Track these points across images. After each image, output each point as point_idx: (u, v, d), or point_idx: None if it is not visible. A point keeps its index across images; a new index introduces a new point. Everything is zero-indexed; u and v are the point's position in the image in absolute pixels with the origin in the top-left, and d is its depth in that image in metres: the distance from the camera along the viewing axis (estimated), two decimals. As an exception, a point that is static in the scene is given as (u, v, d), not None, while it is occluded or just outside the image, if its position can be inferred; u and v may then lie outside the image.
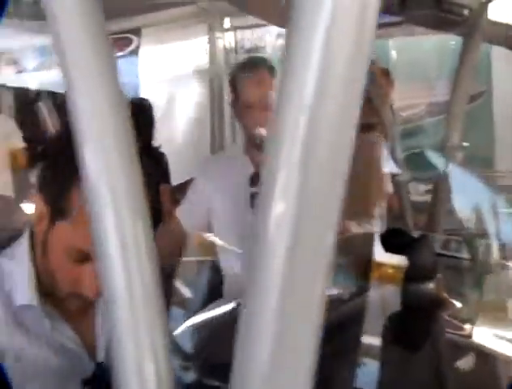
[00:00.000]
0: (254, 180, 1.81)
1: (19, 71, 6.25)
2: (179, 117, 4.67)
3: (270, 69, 1.83)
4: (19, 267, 0.96)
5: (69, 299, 0.98)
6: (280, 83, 0.39)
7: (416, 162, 1.87)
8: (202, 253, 1.70)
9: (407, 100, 3.80)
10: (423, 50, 3.72)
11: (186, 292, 1.17)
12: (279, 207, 0.37)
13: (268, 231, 0.37)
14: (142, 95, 5.01)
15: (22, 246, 0.99)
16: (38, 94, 4.94)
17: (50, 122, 4.80)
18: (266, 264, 0.37)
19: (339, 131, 0.38)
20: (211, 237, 1.69)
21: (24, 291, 0.95)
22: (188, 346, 0.90)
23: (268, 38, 6.64)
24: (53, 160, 0.96)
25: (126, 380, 0.43)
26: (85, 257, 0.91)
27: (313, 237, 0.37)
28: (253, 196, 1.79)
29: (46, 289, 0.97)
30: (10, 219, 4.01)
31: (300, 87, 0.37)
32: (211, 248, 1.71)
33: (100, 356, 1.06)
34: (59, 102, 5.05)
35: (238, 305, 0.93)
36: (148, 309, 0.43)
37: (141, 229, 0.44)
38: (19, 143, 4.07)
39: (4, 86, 4.75)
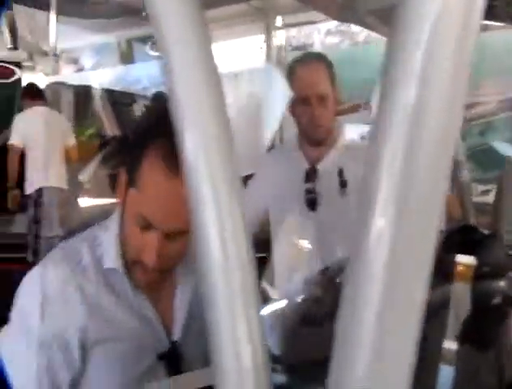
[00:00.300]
0: (309, 176, 1.81)
1: (79, 70, 6.49)
2: (234, 114, 4.72)
3: (327, 63, 1.82)
4: (109, 235, 1.04)
5: (147, 272, 1.00)
6: (382, 88, 0.38)
7: (480, 160, 1.83)
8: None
9: (478, 97, 3.70)
10: (494, 46, 3.62)
11: (273, 293, 1.18)
12: (380, 221, 0.37)
13: (368, 245, 0.37)
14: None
15: (114, 218, 1.06)
16: (95, 91, 5.11)
17: (105, 117, 4.96)
18: (365, 277, 0.38)
19: (441, 142, 0.37)
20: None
21: (111, 256, 1.02)
22: (274, 347, 0.90)
23: (317, 36, 6.62)
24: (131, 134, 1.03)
25: (222, 355, 0.45)
26: (148, 225, 0.94)
27: (413, 251, 0.38)
28: (307, 192, 1.79)
29: (129, 259, 1.02)
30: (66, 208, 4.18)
31: (402, 96, 0.37)
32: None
33: (176, 334, 1.09)
34: (114, 98, 5.22)
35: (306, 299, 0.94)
36: (243, 281, 0.44)
37: (236, 203, 0.45)
38: (72, 140, 4.29)
39: (65, 84, 4.92)
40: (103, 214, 1.13)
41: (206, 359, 1.05)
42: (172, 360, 1.06)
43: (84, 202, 5.36)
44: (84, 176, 5.55)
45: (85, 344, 1.00)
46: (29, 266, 1.03)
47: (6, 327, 1.01)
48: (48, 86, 4.87)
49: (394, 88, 0.38)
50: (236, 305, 0.44)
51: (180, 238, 0.95)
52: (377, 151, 0.38)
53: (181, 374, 1.03)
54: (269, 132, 4.24)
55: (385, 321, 0.38)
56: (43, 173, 4.08)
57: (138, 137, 0.98)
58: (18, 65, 6.77)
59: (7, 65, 6.66)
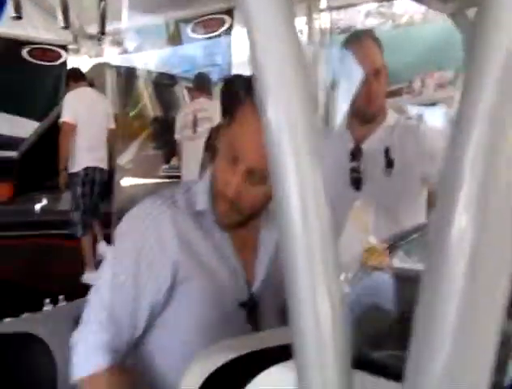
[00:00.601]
0: (354, 155, 1.82)
1: (123, 52, 6.61)
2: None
3: (377, 39, 1.82)
4: (202, 183, 1.15)
5: (229, 209, 1.09)
6: (463, 85, 0.38)
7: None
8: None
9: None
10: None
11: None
12: (462, 219, 0.37)
13: (450, 241, 0.37)
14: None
15: (207, 172, 1.18)
16: (138, 73, 5.21)
17: (148, 98, 5.06)
18: (446, 273, 0.37)
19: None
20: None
21: (202, 200, 1.12)
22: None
23: (357, 17, 6.53)
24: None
25: (301, 317, 0.45)
26: (235, 158, 1.05)
27: (496, 248, 0.37)
28: (352, 171, 1.80)
29: (215, 195, 1.11)
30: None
31: (484, 93, 0.37)
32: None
33: (255, 287, 1.16)
34: (156, 80, 5.31)
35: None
36: (323, 247, 0.45)
37: (318, 174, 0.46)
38: (113, 123, 4.40)
39: (109, 64, 5.04)
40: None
41: (280, 315, 1.11)
42: (251, 310, 1.13)
43: (126, 182, 5.49)
44: (125, 157, 5.69)
45: (175, 279, 1.08)
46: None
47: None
48: (93, 67, 4.99)
49: (476, 85, 0.37)
50: (315, 267, 0.44)
51: (260, 183, 1.04)
52: (459, 148, 0.38)
53: (255, 333, 1.09)
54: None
55: (465, 319, 0.37)
56: (89, 152, 4.22)
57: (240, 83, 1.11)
58: (63, 48, 6.95)
59: (54, 48, 6.85)
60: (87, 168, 4.25)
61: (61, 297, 4.13)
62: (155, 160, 6.02)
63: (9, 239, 4.84)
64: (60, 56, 6.92)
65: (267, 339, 0.78)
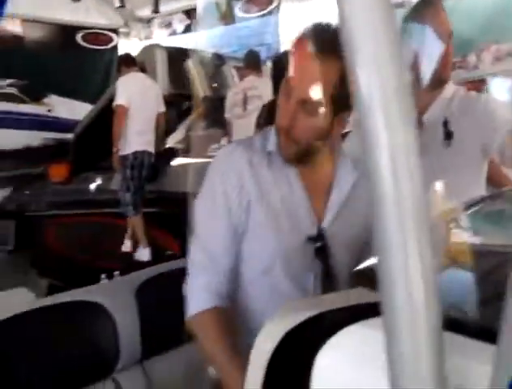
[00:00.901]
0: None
1: (171, 34, 6.70)
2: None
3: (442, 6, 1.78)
4: (273, 127, 1.23)
5: (288, 139, 1.18)
6: None
7: None
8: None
9: None
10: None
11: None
12: None
13: None
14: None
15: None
16: (187, 53, 5.24)
17: (197, 77, 5.09)
18: None
19: None
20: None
21: (272, 141, 1.22)
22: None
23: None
24: None
25: (393, 289, 0.44)
26: (290, 90, 1.14)
27: None
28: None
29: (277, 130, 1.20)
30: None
31: None
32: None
33: (325, 223, 1.23)
34: (205, 60, 5.34)
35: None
36: (414, 205, 0.44)
37: (409, 133, 0.45)
38: (163, 107, 4.47)
39: (159, 45, 5.09)
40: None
41: (349, 254, 1.20)
42: (320, 246, 1.20)
43: (175, 161, 5.58)
44: (175, 138, 5.78)
45: (249, 202, 1.20)
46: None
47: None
48: (143, 49, 5.06)
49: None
50: (406, 224, 0.43)
51: (312, 114, 1.13)
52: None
53: (326, 293, 1.14)
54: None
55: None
56: (139, 136, 4.30)
57: None
58: (115, 31, 7.10)
59: (105, 32, 7.00)
60: (136, 152, 4.34)
61: (116, 272, 4.29)
62: (204, 140, 6.09)
63: (66, 217, 5.03)
64: (111, 40, 7.07)
65: (343, 298, 0.78)
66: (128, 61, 4.51)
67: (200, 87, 5.04)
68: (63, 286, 4.85)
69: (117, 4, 3.91)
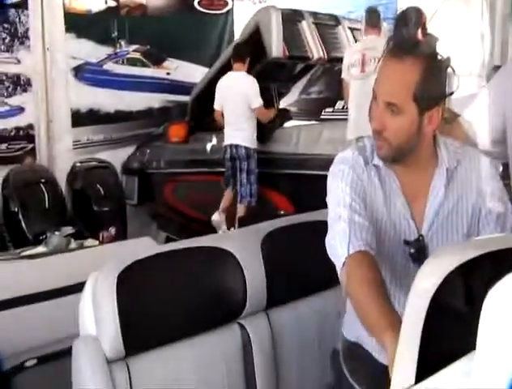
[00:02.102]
0: None
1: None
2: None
3: None
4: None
5: (380, 141, 1.25)
6: None
7: None
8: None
9: None
10: None
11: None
12: None
13: None
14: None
15: None
16: (301, 14, 5.19)
17: (311, 40, 5.04)
18: None
19: None
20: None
21: (374, 156, 1.30)
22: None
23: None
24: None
25: None
26: (376, 95, 1.23)
27: None
28: None
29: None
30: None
31: None
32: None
33: (424, 229, 1.28)
34: (319, 21, 5.26)
35: None
36: None
37: None
38: (257, 102, 4.57)
39: (273, 7, 5.10)
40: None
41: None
42: (418, 248, 1.25)
43: (288, 123, 5.63)
44: (288, 99, 5.81)
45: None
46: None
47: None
48: (258, 11, 5.09)
49: None
50: None
51: (400, 114, 1.19)
52: None
53: None
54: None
55: None
56: (234, 131, 4.58)
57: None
58: (229, -5, 7.20)
59: (221, -4, 7.13)
60: (231, 145, 4.59)
61: (232, 228, 4.48)
62: (318, 103, 6.06)
63: (183, 175, 5.31)
64: (226, 4, 7.18)
65: (500, 242, 0.78)
66: (237, 56, 4.63)
67: (315, 49, 4.99)
68: (178, 239, 5.18)
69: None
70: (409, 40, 1.16)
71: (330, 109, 5.85)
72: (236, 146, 4.58)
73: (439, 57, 1.21)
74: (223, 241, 1.57)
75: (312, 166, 4.06)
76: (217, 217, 4.70)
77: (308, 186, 4.15)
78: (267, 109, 4.71)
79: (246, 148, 4.58)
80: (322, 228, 1.31)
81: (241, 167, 4.60)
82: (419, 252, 1.25)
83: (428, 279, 0.63)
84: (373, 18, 4.15)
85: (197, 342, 1.44)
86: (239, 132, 4.58)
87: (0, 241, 4.39)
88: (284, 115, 5.19)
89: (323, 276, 1.47)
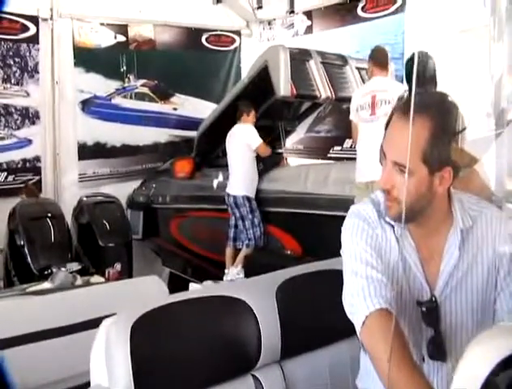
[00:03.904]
0: None
1: (294, 35, 6.77)
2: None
3: None
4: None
5: (389, 201, 1.23)
6: None
7: None
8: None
9: None
10: None
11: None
12: None
13: None
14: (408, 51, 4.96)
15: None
16: (309, 54, 5.26)
17: (319, 79, 5.09)
18: None
19: None
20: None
21: (386, 212, 1.26)
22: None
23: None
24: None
25: None
26: (385, 154, 1.21)
27: None
28: None
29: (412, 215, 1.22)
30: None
31: None
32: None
33: (437, 290, 1.25)
34: (327, 61, 5.32)
35: None
36: None
37: None
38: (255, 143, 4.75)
39: (282, 46, 5.17)
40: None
41: (467, 317, 1.24)
42: (431, 310, 1.21)
43: (294, 161, 5.65)
44: (294, 138, 5.84)
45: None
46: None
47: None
48: (267, 49, 5.16)
49: None
50: None
51: (409, 176, 1.15)
52: None
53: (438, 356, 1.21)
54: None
55: None
56: (238, 182, 4.76)
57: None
58: (237, 33, 7.32)
59: (228, 33, 7.25)
60: (235, 196, 4.72)
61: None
62: (325, 141, 6.09)
63: (189, 211, 5.30)
64: (234, 41, 7.31)
65: None
66: (244, 110, 4.82)
67: (322, 88, 5.04)
68: (182, 276, 5.14)
69: (255, 5, 4.01)
70: (419, 99, 1.13)
71: (339, 148, 5.87)
72: (235, 196, 4.73)
73: (451, 113, 1.19)
74: (237, 290, 1.54)
75: (320, 206, 4.05)
76: (231, 273, 4.60)
77: (315, 226, 4.17)
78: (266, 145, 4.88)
79: (247, 198, 4.70)
80: (337, 277, 1.29)
81: (236, 215, 4.73)
82: (431, 313, 1.22)
83: (478, 364, 0.61)
84: (381, 57, 3.96)
85: (210, 394, 1.40)
86: (243, 184, 4.73)
87: (6, 276, 4.36)
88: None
89: (338, 326, 1.44)
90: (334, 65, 5.34)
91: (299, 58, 5.06)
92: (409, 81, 3.12)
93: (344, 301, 1.24)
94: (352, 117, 3.97)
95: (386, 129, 1.25)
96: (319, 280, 1.63)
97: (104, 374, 1.34)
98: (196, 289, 2.88)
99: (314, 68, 5.16)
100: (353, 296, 1.21)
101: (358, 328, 1.18)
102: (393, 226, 1.27)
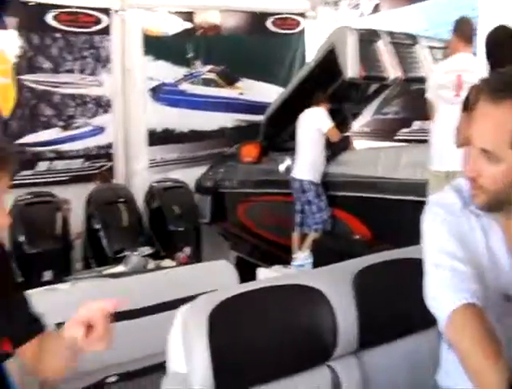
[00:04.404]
0: None
1: (361, 15, 6.60)
2: None
3: None
4: None
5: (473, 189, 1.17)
6: None
7: None
8: None
9: None
10: None
11: None
12: None
13: None
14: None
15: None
16: (378, 34, 5.11)
17: (388, 60, 4.94)
18: None
19: None
20: None
21: (472, 200, 1.20)
22: None
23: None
24: None
25: None
26: (471, 141, 1.15)
27: None
28: None
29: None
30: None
31: None
32: None
33: None
34: (396, 40, 5.15)
35: None
36: None
37: None
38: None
39: (349, 27, 5.05)
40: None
41: None
42: None
43: (360, 144, 5.54)
44: (361, 120, 5.72)
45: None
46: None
47: None
48: (334, 31, 5.06)
49: None
50: None
51: (496, 162, 1.10)
52: None
53: None
54: None
55: None
56: (309, 166, 4.71)
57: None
58: (302, 15, 7.22)
59: (293, 16, 7.16)
60: (301, 180, 4.71)
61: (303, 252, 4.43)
62: (392, 123, 5.93)
63: (255, 195, 5.33)
64: (299, 24, 7.22)
65: None
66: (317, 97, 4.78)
67: (391, 69, 4.89)
68: (249, 260, 5.19)
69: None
70: (506, 79, 1.06)
71: (407, 130, 5.70)
72: (301, 180, 4.70)
73: None
74: (312, 278, 1.53)
75: (391, 190, 3.95)
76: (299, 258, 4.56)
77: (386, 210, 4.08)
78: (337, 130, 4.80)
79: (313, 184, 4.65)
80: (415, 266, 1.25)
81: (301, 199, 4.70)
82: None
83: None
84: (466, 30, 3.56)
85: (286, 384, 1.40)
86: (306, 167, 4.70)
87: (84, 259, 4.58)
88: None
89: (417, 317, 1.40)
90: (403, 44, 5.16)
91: (367, 39, 4.93)
92: (490, 59, 2.96)
93: (426, 294, 1.20)
94: (430, 95, 3.60)
95: (464, 106, 1.19)
96: (397, 270, 1.59)
97: (182, 362, 1.36)
98: (265, 274, 2.91)
99: (383, 48, 5.01)
100: (436, 289, 1.16)
101: (442, 323, 1.14)
102: (478, 215, 1.21)
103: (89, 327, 1.12)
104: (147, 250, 3.68)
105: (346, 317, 1.46)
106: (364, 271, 1.54)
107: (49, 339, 1.30)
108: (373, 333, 1.50)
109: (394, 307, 1.52)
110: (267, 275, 2.72)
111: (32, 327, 1.31)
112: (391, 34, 5.20)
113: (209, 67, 6.41)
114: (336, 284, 1.50)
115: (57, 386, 1.73)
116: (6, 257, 1.36)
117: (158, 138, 6.10)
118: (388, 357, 1.52)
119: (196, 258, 4.43)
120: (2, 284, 1.27)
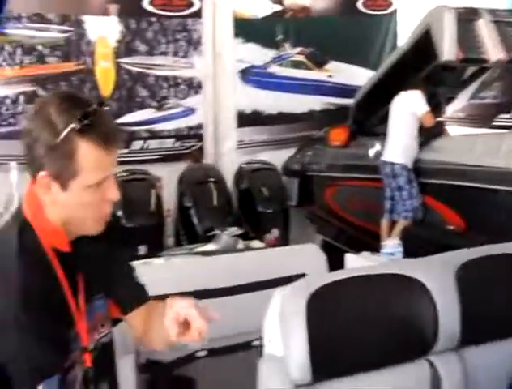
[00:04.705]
0: None
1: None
2: None
3: None
4: None
5: None
6: None
7: None
8: None
9: None
10: None
11: None
12: None
13: None
14: None
15: None
16: (478, 13, 4.83)
17: (489, 40, 4.67)
18: None
19: None
20: None
21: None
22: None
23: None
24: None
25: None
26: None
27: None
28: None
29: None
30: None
31: None
32: None
33: None
34: (499, 19, 4.85)
35: None
36: None
37: None
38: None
39: (446, 6, 4.81)
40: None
41: None
42: None
43: (454, 131, 5.31)
44: (455, 105, 5.46)
45: None
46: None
47: None
48: (430, 12, 4.84)
49: None
50: None
51: None
52: None
53: None
54: None
55: None
56: (400, 149, 4.56)
57: None
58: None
59: (386, -5, 6.94)
60: (393, 163, 4.56)
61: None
62: (490, 108, 5.63)
63: (344, 180, 5.27)
64: (390, 4, 6.97)
65: None
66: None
67: (493, 50, 4.62)
68: (335, 244, 5.17)
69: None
70: None
71: (507, 116, 5.38)
72: (392, 164, 4.56)
73: None
74: (412, 269, 1.50)
75: (489, 179, 3.77)
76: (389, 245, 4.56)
77: (482, 201, 3.90)
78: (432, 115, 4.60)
79: (405, 169, 4.50)
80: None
81: (392, 185, 4.57)
82: None
83: None
84: None
85: (384, 375, 1.40)
86: (403, 152, 4.54)
87: (175, 235, 4.76)
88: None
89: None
90: (507, 23, 4.85)
91: (466, 18, 4.67)
92: None
93: None
94: None
95: None
96: (503, 265, 1.53)
97: (279, 345, 1.39)
98: (354, 260, 2.89)
99: (484, 28, 4.74)
100: None
101: None
102: None
103: (185, 324, 1.12)
104: (236, 230, 3.75)
105: (448, 311, 1.42)
106: (469, 265, 1.49)
107: (156, 309, 1.29)
108: (477, 330, 1.45)
109: (501, 304, 1.47)
110: (356, 262, 2.70)
111: (139, 294, 1.33)
112: (493, 12, 4.90)
113: (298, 50, 6.35)
114: (438, 276, 1.47)
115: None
116: (118, 227, 1.41)
117: (247, 119, 6.16)
118: (492, 357, 1.47)
119: (284, 240, 4.46)
120: (114, 251, 1.31)
